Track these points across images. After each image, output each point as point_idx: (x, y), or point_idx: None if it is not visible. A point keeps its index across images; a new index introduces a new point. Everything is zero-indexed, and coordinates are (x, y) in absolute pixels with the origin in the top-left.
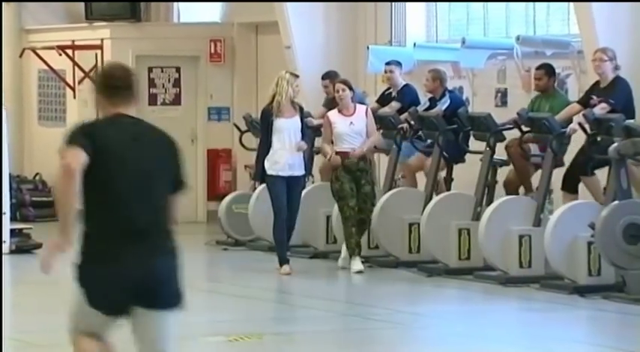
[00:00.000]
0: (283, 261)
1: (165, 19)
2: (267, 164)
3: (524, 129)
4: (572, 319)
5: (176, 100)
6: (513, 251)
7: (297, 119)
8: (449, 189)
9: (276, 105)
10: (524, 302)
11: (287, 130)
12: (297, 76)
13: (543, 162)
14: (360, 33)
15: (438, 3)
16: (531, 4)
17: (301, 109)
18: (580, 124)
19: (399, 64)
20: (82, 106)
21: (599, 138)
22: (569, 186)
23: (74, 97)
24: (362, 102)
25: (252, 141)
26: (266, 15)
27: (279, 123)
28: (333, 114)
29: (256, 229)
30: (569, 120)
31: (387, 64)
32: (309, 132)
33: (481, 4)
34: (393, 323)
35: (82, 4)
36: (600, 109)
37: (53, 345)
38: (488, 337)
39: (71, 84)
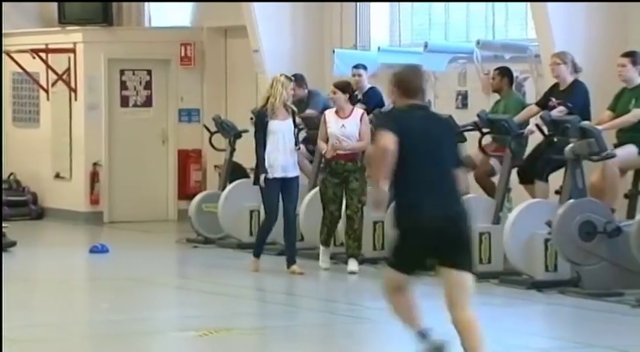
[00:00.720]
0: (256, 255)
1: (136, 24)
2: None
3: (484, 130)
4: (529, 313)
5: (147, 102)
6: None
7: (290, 122)
8: None
9: (270, 107)
10: (484, 297)
11: (281, 133)
12: (291, 80)
13: (502, 162)
14: (326, 37)
15: (401, 8)
16: (490, 10)
17: (293, 112)
18: (537, 126)
19: (365, 67)
20: (55, 108)
21: (555, 139)
22: (526, 179)
23: (47, 99)
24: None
25: (221, 141)
26: (235, 19)
27: (273, 126)
28: (329, 114)
29: (225, 227)
30: (528, 122)
31: (355, 67)
32: None
33: (442, 9)
34: (360, 318)
35: (56, 9)
36: (558, 112)
37: (34, 340)
38: (450, 331)
39: (45, 86)
